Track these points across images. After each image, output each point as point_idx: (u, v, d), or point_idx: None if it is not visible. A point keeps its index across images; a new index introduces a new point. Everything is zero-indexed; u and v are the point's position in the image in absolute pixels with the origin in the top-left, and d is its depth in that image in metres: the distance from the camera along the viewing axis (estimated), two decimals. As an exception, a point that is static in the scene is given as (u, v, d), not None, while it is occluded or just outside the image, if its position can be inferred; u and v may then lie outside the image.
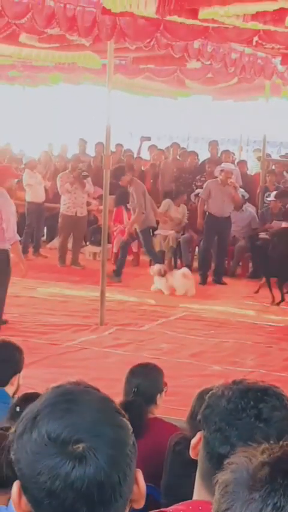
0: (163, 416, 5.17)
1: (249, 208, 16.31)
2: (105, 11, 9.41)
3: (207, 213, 15.09)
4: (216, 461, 2.01)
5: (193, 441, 2.20)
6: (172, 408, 6.12)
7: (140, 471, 1.66)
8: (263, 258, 14.07)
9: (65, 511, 1.52)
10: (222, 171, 15.39)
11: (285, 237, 14.01)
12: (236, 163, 19.53)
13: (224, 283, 14.84)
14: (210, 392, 2.18)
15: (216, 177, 15.43)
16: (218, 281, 14.92)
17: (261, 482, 1.15)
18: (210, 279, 14.99)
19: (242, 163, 19.68)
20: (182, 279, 13.74)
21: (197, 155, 19.63)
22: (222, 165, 16.42)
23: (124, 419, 1.63)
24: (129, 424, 1.64)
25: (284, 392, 2.15)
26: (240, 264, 16.08)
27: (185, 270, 14.14)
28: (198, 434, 2.18)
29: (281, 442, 1.26)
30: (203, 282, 14.77)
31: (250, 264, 15.98)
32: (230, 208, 15.22)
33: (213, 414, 2.10)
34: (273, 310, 13.03)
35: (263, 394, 2.10)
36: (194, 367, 9.35)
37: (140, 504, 1.65)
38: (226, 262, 15.69)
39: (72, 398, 1.59)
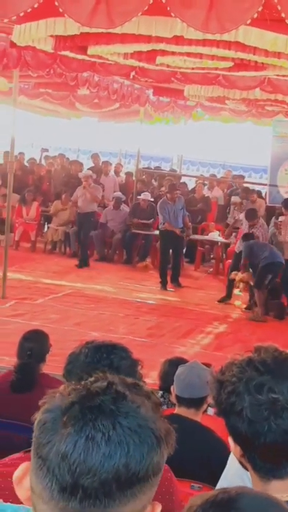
0: (49, 372, 5.13)
1: (125, 208, 16.35)
2: (13, 45, 9.24)
3: (77, 211, 15.13)
4: None
5: None
6: (57, 366, 6.06)
7: None
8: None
9: None
10: (84, 176, 15.20)
11: None
12: (124, 173, 19.99)
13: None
14: (70, 351, 2.22)
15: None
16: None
17: (74, 418, 1.15)
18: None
19: (129, 174, 19.79)
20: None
21: (82, 164, 19.55)
22: (84, 171, 16.37)
23: None
24: None
25: (127, 347, 2.22)
26: (117, 252, 16.12)
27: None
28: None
29: (83, 382, 1.26)
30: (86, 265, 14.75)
31: (124, 252, 16.05)
32: (92, 206, 14.99)
33: (75, 368, 2.16)
34: (140, 290, 13.11)
35: (113, 348, 2.18)
36: (77, 334, 9.30)
37: None
38: (106, 250, 15.69)
39: None
